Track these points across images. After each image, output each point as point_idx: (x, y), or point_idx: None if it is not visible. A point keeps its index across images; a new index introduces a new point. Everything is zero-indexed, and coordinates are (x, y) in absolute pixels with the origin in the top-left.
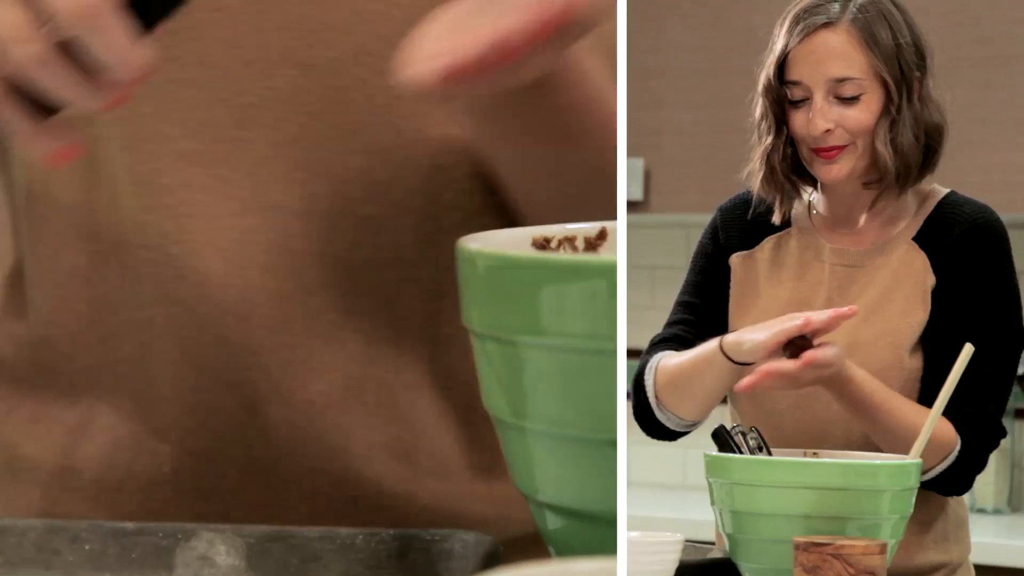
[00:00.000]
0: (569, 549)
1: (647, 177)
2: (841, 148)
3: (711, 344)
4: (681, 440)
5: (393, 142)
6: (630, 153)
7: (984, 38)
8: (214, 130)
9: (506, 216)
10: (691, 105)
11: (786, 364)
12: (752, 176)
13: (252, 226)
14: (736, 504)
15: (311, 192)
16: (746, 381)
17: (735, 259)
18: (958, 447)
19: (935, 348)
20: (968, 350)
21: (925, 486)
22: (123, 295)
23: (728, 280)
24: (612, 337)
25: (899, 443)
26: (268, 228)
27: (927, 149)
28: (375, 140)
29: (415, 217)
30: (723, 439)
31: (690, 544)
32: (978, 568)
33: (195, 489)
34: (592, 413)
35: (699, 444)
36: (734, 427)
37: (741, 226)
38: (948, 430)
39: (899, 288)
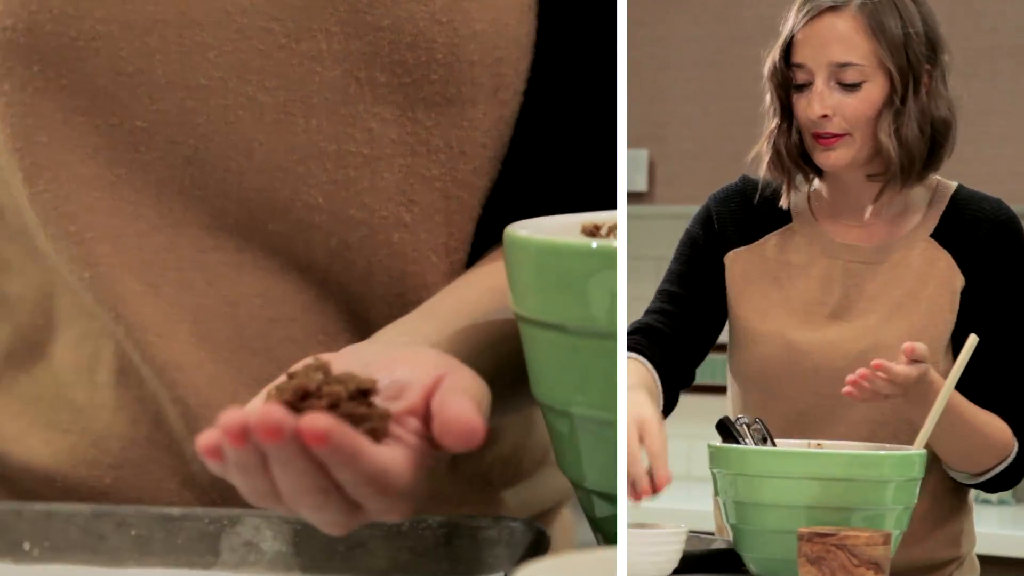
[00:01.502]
0: (617, 535)
1: (651, 168)
2: (839, 136)
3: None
4: (685, 431)
5: (288, 159)
6: (635, 144)
7: (991, 29)
8: (110, 154)
9: (407, 228)
10: (696, 97)
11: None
12: (759, 159)
13: (163, 244)
14: (740, 495)
15: (217, 208)
16: (855, 377)
17: (732, 255)
18: (1016, 447)
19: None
20: (972, 340)
21: (979, 487)
22: (48, 320)
23: (718, 274)
24: None
25: (971, 445)
26: (179, 245)
27: (933, 144)
28: (269, 158)
29: (321, 233)
30: (727, 430)
31: (694, 535)
32: (984, 558)
33: (136, 500)
34: None
35: (704, 435)
36: (738, 418)
37: (737, 219)
38: (1005, 429)
39: (923, 288)
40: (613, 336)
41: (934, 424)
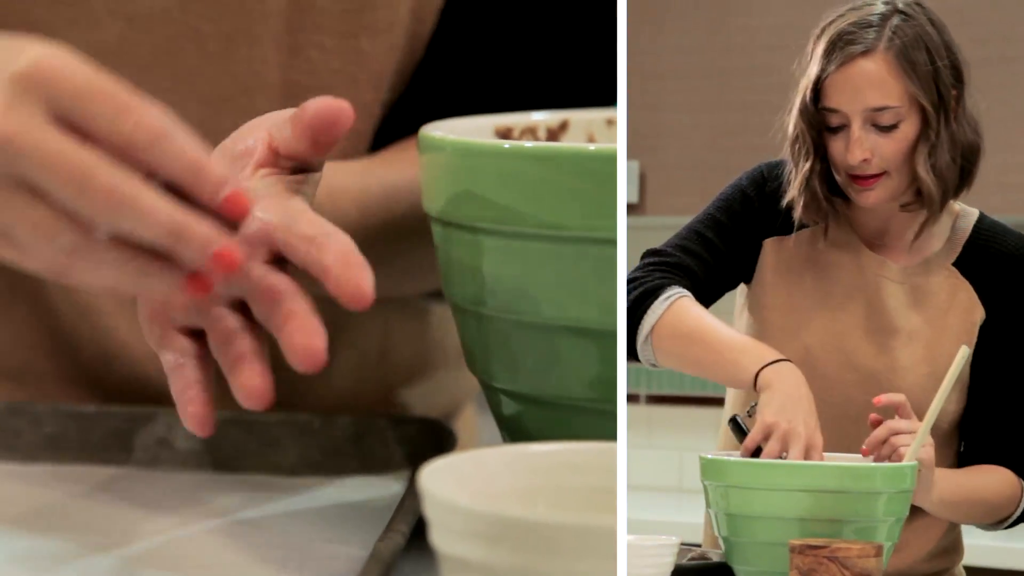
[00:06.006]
0: (522, 434)
1: (642, 179)
2: (877, 177)
3: (748, 366)
4: (678, 443)
5: (231, 90)
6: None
7: (980, 39)
8: None
9: (342, 156)
10: (687, 108)
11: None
12: (794, 204)
13: None
14: (731, 507)
15: None
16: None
17: (770, 243)
18: None
19: (981, 386)
20: (963, 352)
21: (1005, 528)
22: None
23: (752, 242)
24: (574, 226)
25: (977, 512)
26: None
27: (963, 169)
28: (212, 89)
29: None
30: (740, 427)
31: (686, 547)
32: (973, 571)
33: None
34: (550, 300)
35: (696, 447)
36: (749, 410)
37: (778, 205)
38: (1005, 481)
39: (943, 316)
40: (521, 237)
41: (925, 435)
